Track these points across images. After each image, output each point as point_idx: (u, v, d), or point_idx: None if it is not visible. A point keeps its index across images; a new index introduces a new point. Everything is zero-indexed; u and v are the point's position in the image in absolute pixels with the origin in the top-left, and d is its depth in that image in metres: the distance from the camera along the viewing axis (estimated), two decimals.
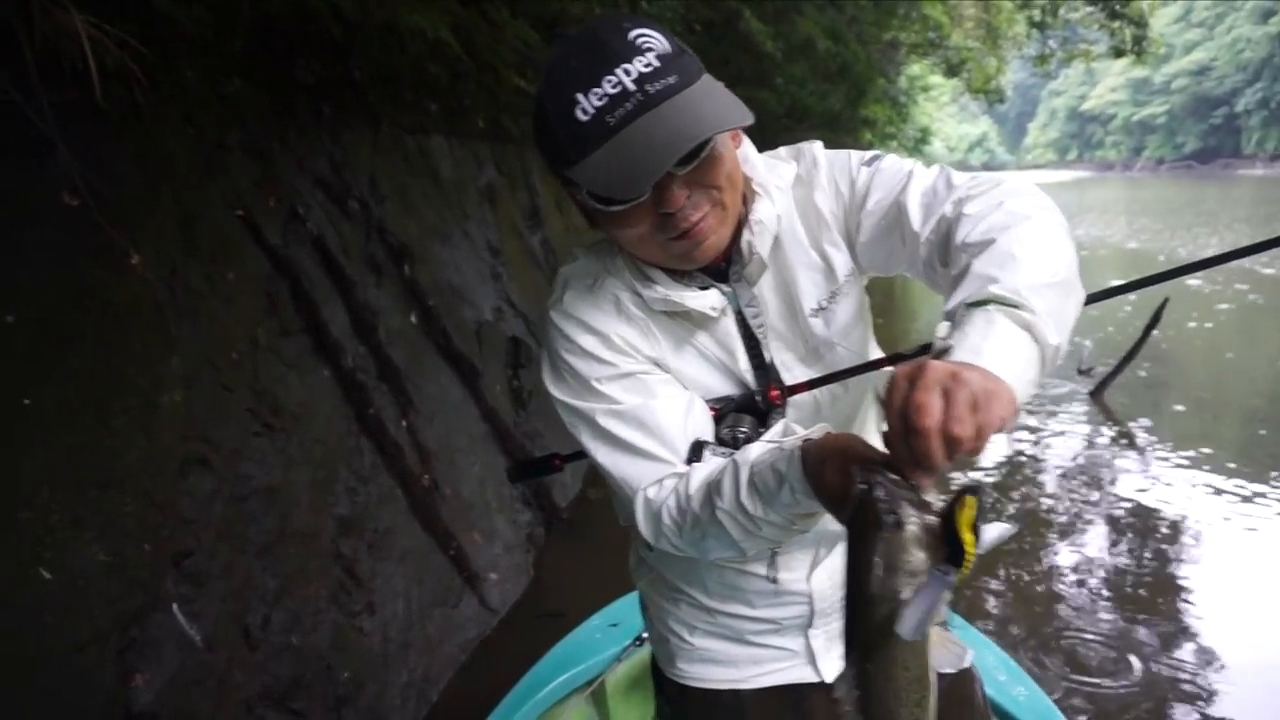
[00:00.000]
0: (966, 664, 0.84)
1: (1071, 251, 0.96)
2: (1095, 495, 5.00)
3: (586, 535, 4.53)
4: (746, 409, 1.19)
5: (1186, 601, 3.74)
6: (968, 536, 0.74)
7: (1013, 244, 0.92)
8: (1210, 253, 1.30)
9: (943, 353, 0.81)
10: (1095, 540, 4.38)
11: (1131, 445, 5.86)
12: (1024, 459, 5.63)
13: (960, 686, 1.38)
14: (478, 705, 2.30)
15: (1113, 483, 5.17)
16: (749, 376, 1.20)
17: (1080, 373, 7.11)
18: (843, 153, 1.24)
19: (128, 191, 2.40)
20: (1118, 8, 17.75)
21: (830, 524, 1.07)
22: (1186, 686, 3.11)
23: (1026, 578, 3.94)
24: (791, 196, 1.21)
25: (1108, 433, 6.10)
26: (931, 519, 0.77)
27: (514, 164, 6.43)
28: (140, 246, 2.37)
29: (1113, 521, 4.59)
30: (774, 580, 1.28)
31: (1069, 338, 0.88)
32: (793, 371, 1.22)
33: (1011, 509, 4.79)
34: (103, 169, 2.24)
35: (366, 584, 3.04)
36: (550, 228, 6.81)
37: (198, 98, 2.90)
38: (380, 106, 4.30)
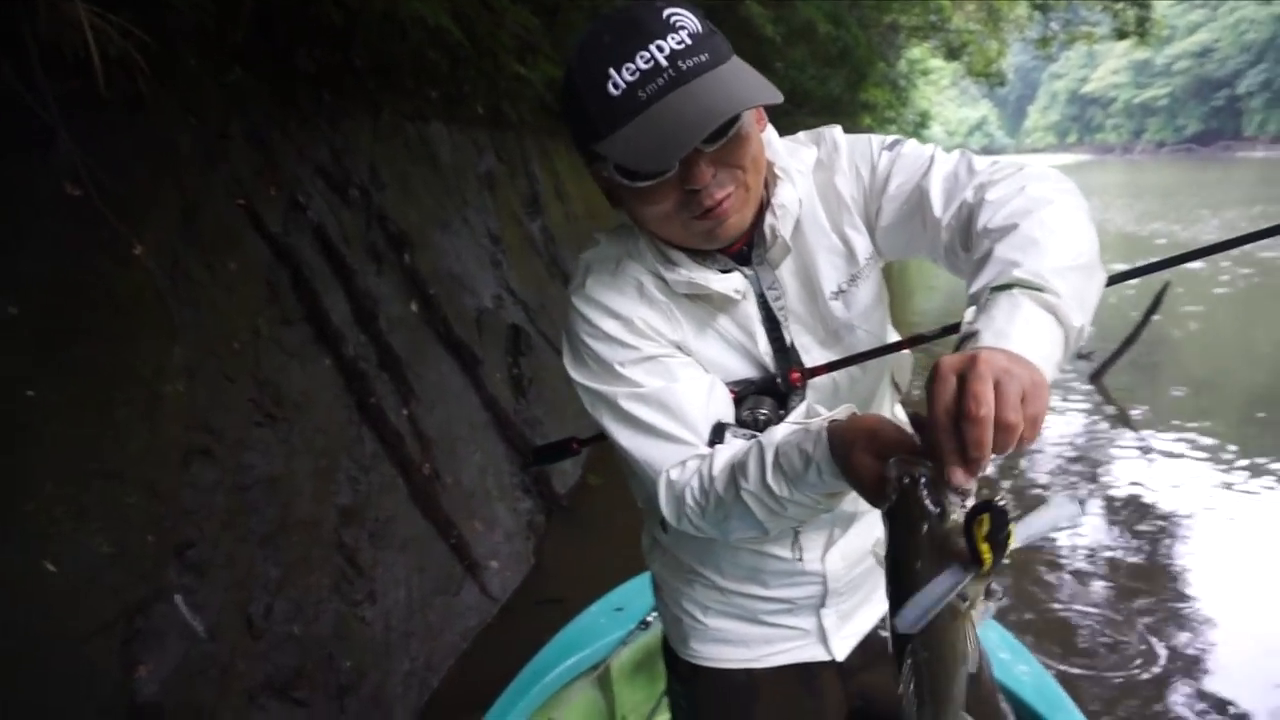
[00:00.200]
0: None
1: (1093, 234, 0.97)
2: (1095, 478, 5.01)
3: (586, 522, 4.53)
4: (767, 391, 1.20)
5: (1185, 583, 3.75)
6: (984, 547, 0.75)
7: (1035, 228, 0.93)
8: (1211, 237, 1.29)
9: (970, 336, 0.82)
10: (1094, 523, 4.39)
11: (1131, 428, 5.87)
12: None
13: None
14: (479, 692, 2.32)
15: (1112, 465, 5.19)
16: (769, 359, 1.20)
17: (1080, 356, 7.11)
18: (863, 137, 1.24)
19: (130, 181, 2.40)
20: None
21: (845, 504, 1.07)
22: (1184, 667, 3.13)
23: (1025, 560, 3.95)
24: (812, 180, 1.22)
25: (1107, 416, 6.12)
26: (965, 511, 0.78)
27: (513, 151, 6.42)
28: (142, 236, 2.37)
29: (1111, 504, 4.61)
30: (799, 559, 1.29)
31: (1091, 319, 0.89)
32: (812, 354, 1.22)
33: (1010, 493, 4.78)
34: (105, 159, 2.23)
35: (368, 573, 3.05)
36: (550, 215, 6.80)
37: (199, 87, 2.89)
38: (380, 94, 4.29)
